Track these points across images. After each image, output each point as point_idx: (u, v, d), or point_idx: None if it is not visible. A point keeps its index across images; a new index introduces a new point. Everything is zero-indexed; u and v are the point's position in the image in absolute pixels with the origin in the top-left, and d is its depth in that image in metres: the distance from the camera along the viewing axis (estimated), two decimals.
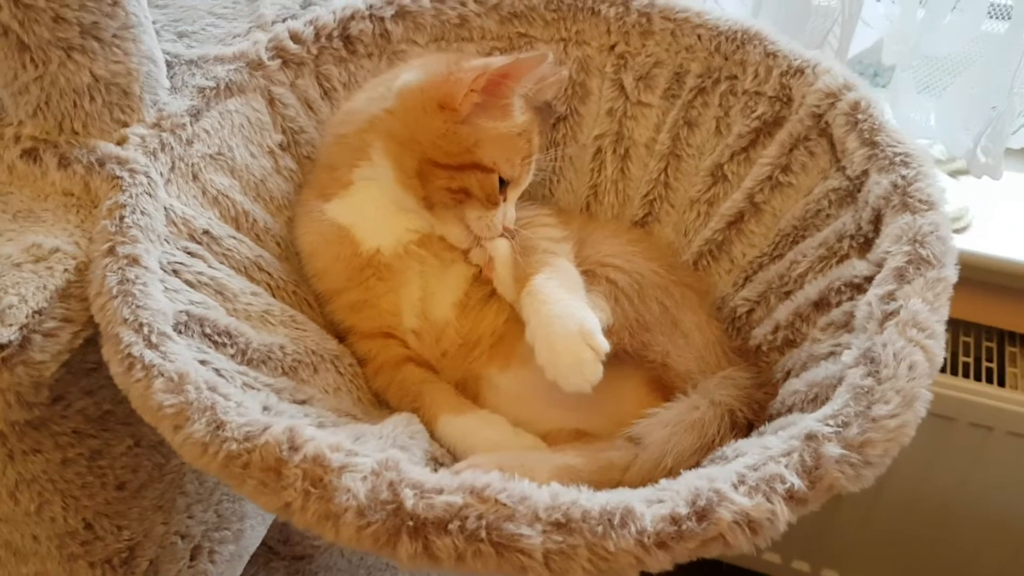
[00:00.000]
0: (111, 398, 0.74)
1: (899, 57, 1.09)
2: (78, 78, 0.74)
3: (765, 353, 0.80)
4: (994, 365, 1.10)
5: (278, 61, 0.88)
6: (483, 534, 0.50)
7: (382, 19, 0.92)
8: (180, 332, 0.65)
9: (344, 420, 0.72)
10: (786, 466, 0.54)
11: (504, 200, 0.81)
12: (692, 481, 0.54)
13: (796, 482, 0.53)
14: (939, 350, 0.60)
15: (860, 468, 0.55)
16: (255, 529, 1.00)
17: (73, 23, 0.72)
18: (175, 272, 0.71)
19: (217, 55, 0.86)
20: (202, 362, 0.64)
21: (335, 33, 0.91)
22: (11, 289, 0.65)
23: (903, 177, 0.70)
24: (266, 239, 0.84)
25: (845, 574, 1.34)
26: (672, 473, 0.60)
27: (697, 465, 0.67)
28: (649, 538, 0.51)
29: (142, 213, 0.70)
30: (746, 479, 0.53)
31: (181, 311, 0.67)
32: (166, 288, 0.68)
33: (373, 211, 0.82)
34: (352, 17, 0.92)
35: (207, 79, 0.83)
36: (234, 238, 0.79)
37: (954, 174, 1.16)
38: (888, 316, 0.62)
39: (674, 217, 0.92)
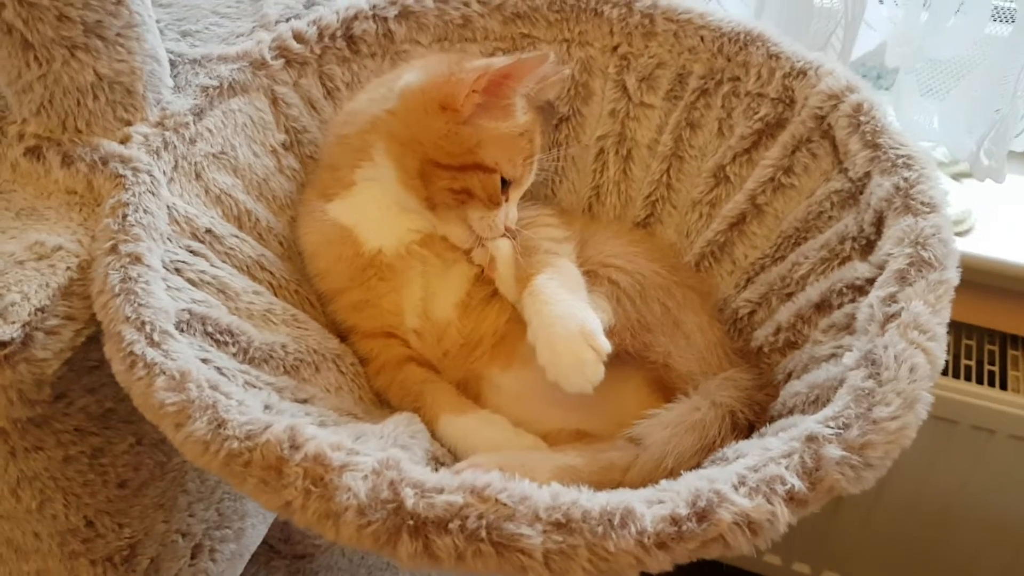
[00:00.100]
0: (113, 396, 0.74)
1: (902, 60, 1.09)
2: (82, 76, 0.74)
3: (766, 354, 0.80)
4: (996, 368, 1.09)
5: (281, 61, 0.89)
6: (483, 534, 0.50)
7: (385, 19, 0.92)
8: (182, 330, 0.65)
9: (345, 419, 0.72)
10: (787, 467, 0.54)
11: (506, 200, 0.81)
12: (692, 482, 0.54)
13: (796, 483, 0.53)
14: (940, 352, 0.60)
15: (860, 470, 0.55)
16: (256, 528, 1.01)
17: (77, 21, 0.72)
18: (177, 271, 0.71)
19: (220, 54, 0.87)
20: (204, 360, 0.64)
21: (338, 33, 0.91)
22: (14, 286, 0.65)
23: (905, 179, 0.70)
24: (268, 238, 0.84)
25: None
26: (673, 474, 0.60)
27: (698, 466, 0.67)
28: (649, 539, 0.51)
29: (145, 212, 0.70)
30: (746, 480, 0.54)
31: (183, 309, 0.67)
32: (168, 287, 0.68)
33: (375, 211, 0.82)
34: (355, 17, 0.92)
35: (210, 78, 0.83)
36: (236, 237, 0.79)
37: (957, 177, 1.16)
38: (889, 318, 0.62)
39: (676, 218, 0.92)
